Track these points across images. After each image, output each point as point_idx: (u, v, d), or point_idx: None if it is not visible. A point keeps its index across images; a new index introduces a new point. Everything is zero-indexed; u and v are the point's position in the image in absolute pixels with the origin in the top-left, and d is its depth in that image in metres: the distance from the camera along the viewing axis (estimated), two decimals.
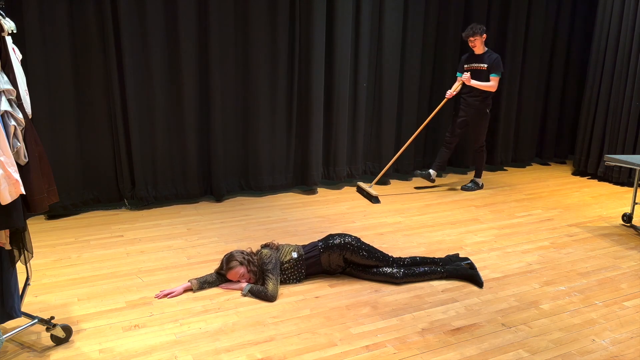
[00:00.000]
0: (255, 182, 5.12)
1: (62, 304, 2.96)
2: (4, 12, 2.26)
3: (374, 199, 4.98)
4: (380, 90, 5.55)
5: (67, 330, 2.59)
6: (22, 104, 2.26)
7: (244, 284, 3.15)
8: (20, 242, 2.39)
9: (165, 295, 3.06)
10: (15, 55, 2.37)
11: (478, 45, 5.07)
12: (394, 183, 5.74)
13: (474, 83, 5.09)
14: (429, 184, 5.59)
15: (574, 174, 6.31)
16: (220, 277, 3.23)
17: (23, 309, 2.55)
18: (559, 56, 6.67)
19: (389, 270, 3.29)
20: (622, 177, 5.76)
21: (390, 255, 3.39)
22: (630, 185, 5.65)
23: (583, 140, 6.22)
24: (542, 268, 3.59)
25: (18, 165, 2.19)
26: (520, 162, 6.71)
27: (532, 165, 6.82)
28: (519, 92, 6.47)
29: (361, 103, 5.46)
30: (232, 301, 3.03)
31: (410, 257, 3.43)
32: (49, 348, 2.54)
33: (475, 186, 5.49)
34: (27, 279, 2.59)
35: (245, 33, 4.82)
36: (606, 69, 5.88)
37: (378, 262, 3.31)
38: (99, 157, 4.54)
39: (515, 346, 2.65)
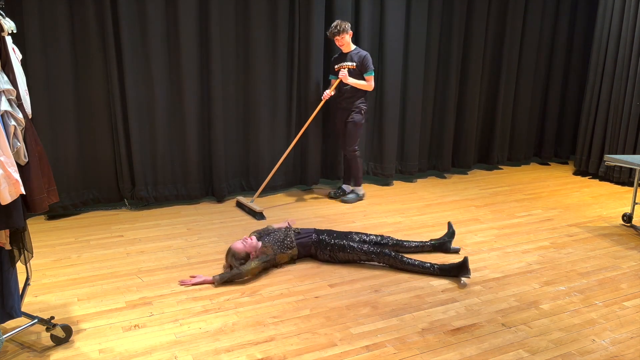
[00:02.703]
0: (257, 182, 5.12)
1: (62, 304, 2.96)
2: (4, 12, 2.26)
3: (258, 215, 4.47)
4: (381, 89, 5.54)
5: (67, 330, 2.59)
6: (22, 104, 2.26)
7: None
8: (20, 242, 2.39)
9: (191, 282, 3.20)
10: (15, 55, 2.37)
11: (345, 44, 4.75)
12: (397, 184, 5.74)
13: (351, 81, 4.75)
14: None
15: (575, 173, 6.31)
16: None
17: (23, 309, 2.55)
18: (559, 57, 6.67)
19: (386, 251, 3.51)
20: (622, 177, 5.76)
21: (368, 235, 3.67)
22: (631, 185, 5.66)
23: (584, 141, 6.22)
24: (542, 268, 3.59)
25: (18, 165, 2.19)
26: (516, 160, 6.72)
27: (530, 164, 6.82)
28: (516, 91, 6.47)
29: None
30: (232, 301, 3.03)
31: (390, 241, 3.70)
32: (49, 348, 2.54)
33: (356, 196, 5.02)
34: (27, 279, 2.59)
35: (245, 33, 4.82)
36: (607, 69, 5.88)
37: (364, 253, 3.52)
38: (99, 157, 4.54)
39: (515, 346, 2.65)
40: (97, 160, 4.55)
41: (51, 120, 4.26)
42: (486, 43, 6.09)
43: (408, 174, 5.89)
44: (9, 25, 2.22)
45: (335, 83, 4.83)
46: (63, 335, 2.57)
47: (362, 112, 4.90)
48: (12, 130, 2.15)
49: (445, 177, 6.04)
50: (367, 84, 4.80)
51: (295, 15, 4.94)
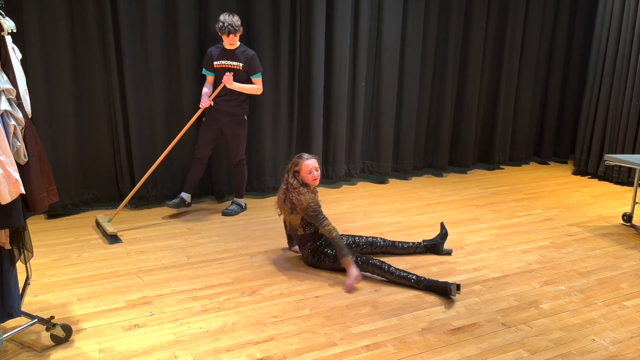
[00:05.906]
0: (259, 184, 5.12)
1: (62, 303, 2.96)
2: (3, 11, 2.25)
3: (112, 239, 3.86)
4: (378, 89, 5.54)
5: (67, 329, 2.59)
6: (21, 103, 2.26)
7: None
8: (20, 242, 2.39)
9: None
10: (15, 55, 2.37)
11: (236, 42, 4.25)
12: (394, 183, 5.74)
13: (237, 86, 4.21)
14: (186, 209, 4.56)
15: (574, 173, 6.31)
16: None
17: (23, 308, 2.54)
18: (559, 56, 6.67)
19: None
20: (622, 177, 5.76)
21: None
22: (630, 184, 5.65)
23: (583, 140, 6.22)
24: (542, 268, 3.59)
25: (18, 164, 2.19)
26: (517, 160, 6.73)
27: (530, 164, 6.82)
28: (517, 91, 6.47)
29: (360, 102, 5.45)
30: (232, 301, 3.03)
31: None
32: (48, 348, 2.54)
33: (239, 208, 4.61)
34: (27, 278, 2.59)
35: (245, 33, 4.80)
36: (606, 68, 5.88)
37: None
38: (99, 157, 4.54)
39: (515, 346, 2.65)
40: (97, 160, 4.54)
41: (51, 120, 4.25)
42: (486, 44, 6.08)
43: (403, 172, 5.90)
44: (9, 24, 2.22)
45: (217, 90, 4.24)
46: (63, 334, 2.57)
47: (246, 116, 4.45)
48: (11, 129, 2.15)
49: (442, 176, 6.04)
50: (257, 87, 4.33)
51: (296, 16, 4.93)
